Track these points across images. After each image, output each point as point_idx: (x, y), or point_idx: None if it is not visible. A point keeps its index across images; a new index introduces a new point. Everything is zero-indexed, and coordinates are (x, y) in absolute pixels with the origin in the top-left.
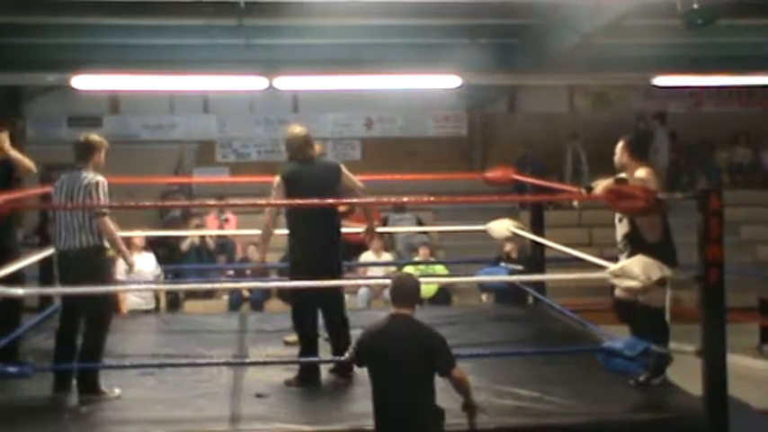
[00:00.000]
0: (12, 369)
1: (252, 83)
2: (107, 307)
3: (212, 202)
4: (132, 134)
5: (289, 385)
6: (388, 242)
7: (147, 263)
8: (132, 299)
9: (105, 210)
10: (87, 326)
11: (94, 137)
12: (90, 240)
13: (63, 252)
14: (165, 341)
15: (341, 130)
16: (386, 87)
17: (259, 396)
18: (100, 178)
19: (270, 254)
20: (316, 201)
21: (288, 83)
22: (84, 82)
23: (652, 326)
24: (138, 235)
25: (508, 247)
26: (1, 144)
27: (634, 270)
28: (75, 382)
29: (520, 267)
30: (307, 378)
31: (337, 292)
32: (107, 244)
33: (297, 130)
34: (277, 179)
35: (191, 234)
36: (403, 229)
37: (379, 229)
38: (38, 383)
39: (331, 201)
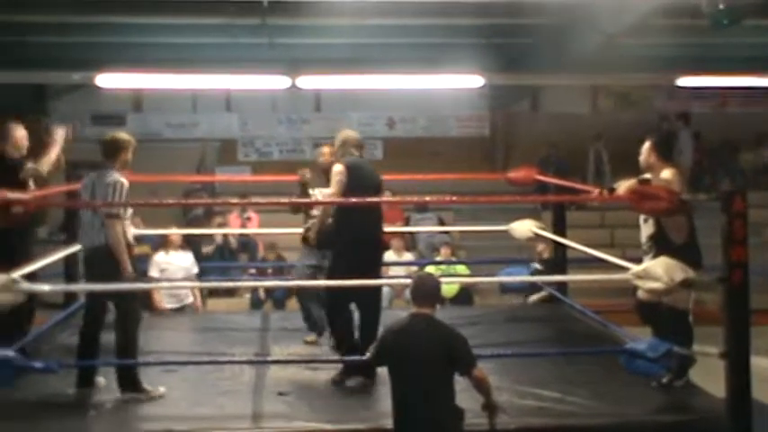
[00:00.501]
0: (37, 365)
1: (274, 82)
2: (135, 304)
3: (235, 200)
4: (155, 132)
5: (335, 384)
6: (410, 242)
7: (181, 261)
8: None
9: (117, 211)
10: (118, 323)
11: (122, 135)
12: (104, 239)
13: (87, 250)
14: (188, 339)
15: (363, 129)
16: (408, 87)
17: (281, 394)
18: (121, 179)
19: (289, 252)
20: (308, 201)
21: (310, 82)
22: (107, 80)
23: (676, 327)
24: (175, 233)
25: (540, 247)
26: (53, 141)
27: (657, 271)
28: (116, 380)
29: (539, 267)
30: (356, 373)
31: (377, 292)
32: (132, 241)
33: (351, 132)
34: (340, 167)
35: (213, 232)
36: (425, 228)
37: (401, 229)
38: (64, 380)
39: (339, 200)
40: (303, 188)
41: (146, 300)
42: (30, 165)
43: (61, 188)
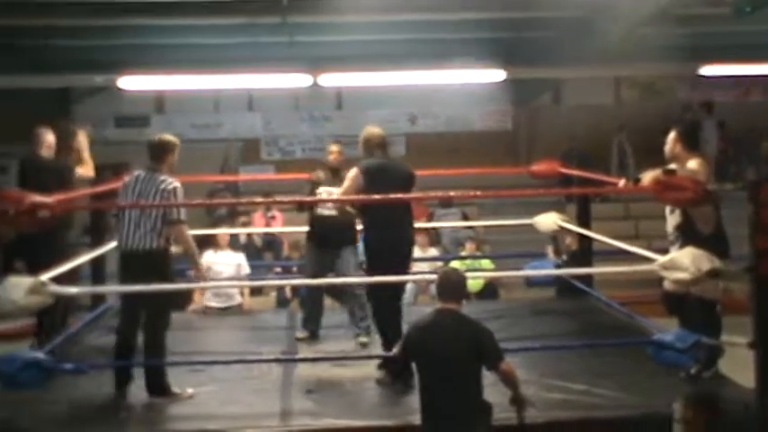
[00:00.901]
0: (68, 366)
1: (296, 80)
2: (169, 309)
3: (259, 199)
4: (178, 133)
5: (380, 383)
6: (434, 237)
7: (228, 261)
8: (208, 296)
9: (183, 216)
10: (147, 326)
11: (168, 137)
12: (159, 243)
13: (129, 252)
14: (215, 338)
15: (385, 126)
16: (429, 83)
17: (309, 392)
18: (177, 184)
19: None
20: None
21: (332, 79)
22: (130, 82)
23: (704, 318)
24: (224, 232)
25: (568, 240)
26: (80, 145)
27: (684, 262)
28: (145, 384)
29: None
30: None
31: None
32: (174, 248)
33: (375, 130)
34: (355, 171)
35: (238, 232)
36: (449, 224)
37: (425, 225)
38: (94, 381)
39: (377, 197)
40: (312, 187)
41: (182, 299)
42: (78, 171)
43: (86, 191)
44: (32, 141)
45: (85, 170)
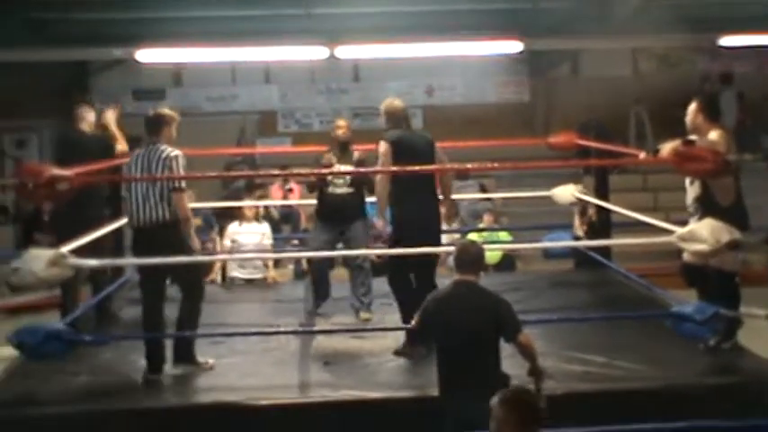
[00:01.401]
0: (87, 338)
1: (313, 52)
2: (200, 276)
3: (276, 172)
4: (195, 106)
5: (398, 355)
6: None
7: (253, 233)
8: (233, 267)
9: (183, 184)
10: (185, 297)
11: (165, 110)
12: (168, 214)
13: (140, 227)
14: (234, 310)
15: (402, 98)
16: (446, 54)
17: (327, 364)
18: (178, 152)
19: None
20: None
21: (348, 52)
22: (147, 55)
23: (723, 289)
24: (248, 205)
25: (590, 212)
26: (107, 122)
27: (702, 233)
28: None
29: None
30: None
31: (434, 261)
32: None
33: (397, 101)
34: (384, 145)
35: (255, 204)
36: (467, 195)
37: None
38: (114, 352)
39: (396, 169)
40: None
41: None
42: (118, 147)
43: (102, 164)
44: (74, 118)
45: (121, 144)
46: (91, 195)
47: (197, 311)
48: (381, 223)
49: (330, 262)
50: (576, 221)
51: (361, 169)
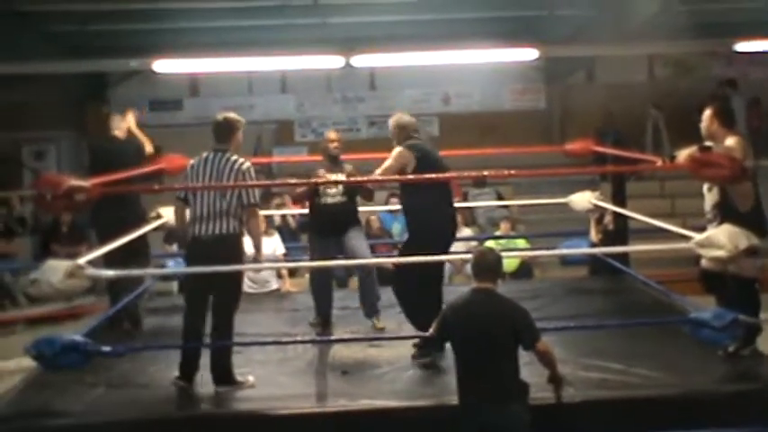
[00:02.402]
0: (107, 349)
1: (329, 61)
2: (239, 291)
3: (293, 181)
4: (212, 116)
5: (414, 359)
6: (469, 217)
7: (268, 246)
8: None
9: (258, 199)
10: (218, 311)
11: (233, 116)
12: (232, 227)
13: (200, 237)
14: (251, 319)
15: (418, 106)
16: (463, 62)
17: (344, 373)
18: (250, 163)
19: None
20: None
21: (364, 60)
22: (164, 66)
23: (742, 295)
24: (271, 214)
25: (607, 219)
26: (128, 124)
27: (720, 239)
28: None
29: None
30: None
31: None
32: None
33: (408, 116)
34: (400, 150)
35: (272, 213)
36: (484, 203)
37: (460, 204)
38: (132, 362)
39: (405, 177)
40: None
41: None
42: (148, 149)
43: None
44: (108, 126)
45: (148, 147)
46: (130, 199)
47: (231, 328)
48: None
49: (330, 273)
50: (593, 230)
51: (398, 177)
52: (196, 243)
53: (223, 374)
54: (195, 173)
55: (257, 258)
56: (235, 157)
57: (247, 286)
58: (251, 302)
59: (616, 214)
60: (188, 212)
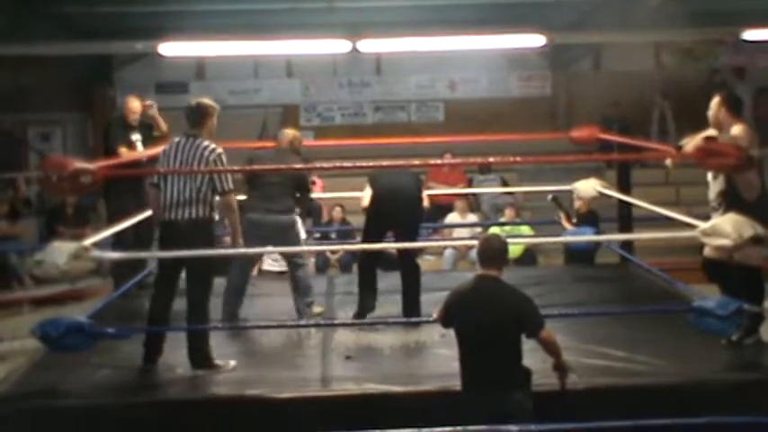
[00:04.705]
0: (110, 331)
1: (335, 46)
2: (213, 277)
3: (298, 165)
4: (218, 100)
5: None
6: (474, 203)
7: None
8: (267, 261)
9: (231, 186)
10: (192, 295)
11: (207, 101)
12: (202, 212)
13: (171, 222)
14: (255, 303)
15: (424, 92)
16: (469, 48)
17: (348, 358)
18: (221, 150)
19: (354, 216)
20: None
21: (371, 45)
22: (170, 49)
23: (746, 284)
24: None
25: (578, 203)
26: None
27: (725, 228)
28: (188, 356)
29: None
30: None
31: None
32: (216, 216)
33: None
34: None
35: None
36: (488, 189)
37: (465, 191)
38: (137, 344)
39: (402, 163)
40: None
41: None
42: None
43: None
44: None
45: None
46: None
47: (206, 312)
48: None
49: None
50: (564, 221)
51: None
52: (167, 228)
53: (200, 358)
54: (166, 158)
55: (235, 243)
56: (206, 143)
57: (268, 264)
58: (256, 286)
59: (621, 202)
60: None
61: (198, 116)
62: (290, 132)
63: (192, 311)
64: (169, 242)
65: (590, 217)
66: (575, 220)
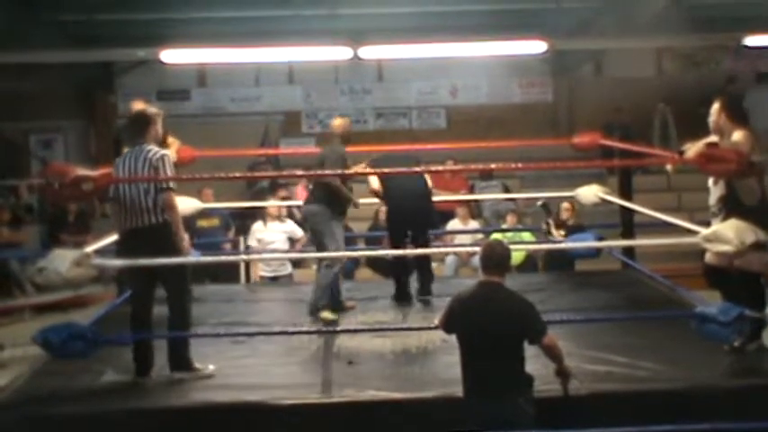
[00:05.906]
0: (112, 337)
1: (336, 53)
2: (187, 279)
3: (300, 172)
4: (219, 107)
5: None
6: (475, 210)
7: (278, 232)
8: (260, 266)
9: (172, 184)
10: (173, 301)
11: (147, 109)
12: (160, 217)
13: (130, 231)
14: (257, 309)
15: (426, 98)
16: (470, 54)
17: (350, 363)
18: (165, 152)
19: (355, 223)
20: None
21: (372, 52)
22: (172, 56)
23: (748, 290)
24: (273, 205)
25: (566, 213)
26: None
27: (727, 234)
28: (168, 359)
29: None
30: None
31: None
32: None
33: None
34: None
35: (279, 204)
36: (490, 196)
37: (466, 197)
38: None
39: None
40: None
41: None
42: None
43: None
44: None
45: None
46: None
47: (187, 315)
48: None
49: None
50: (553, 230)
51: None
52: (127, 236)
53: (179, 360)
54: (117, 171)
55: (180, 248)
56: (149, 148)
57: (261, 269)
58: (257, 291)
59: (623, 208)
60: None
61: (139, 126)
62: (338, 120)
63: (171, 316)
64: (129, 248)
65: (576, 229)
66: (563, 232)
